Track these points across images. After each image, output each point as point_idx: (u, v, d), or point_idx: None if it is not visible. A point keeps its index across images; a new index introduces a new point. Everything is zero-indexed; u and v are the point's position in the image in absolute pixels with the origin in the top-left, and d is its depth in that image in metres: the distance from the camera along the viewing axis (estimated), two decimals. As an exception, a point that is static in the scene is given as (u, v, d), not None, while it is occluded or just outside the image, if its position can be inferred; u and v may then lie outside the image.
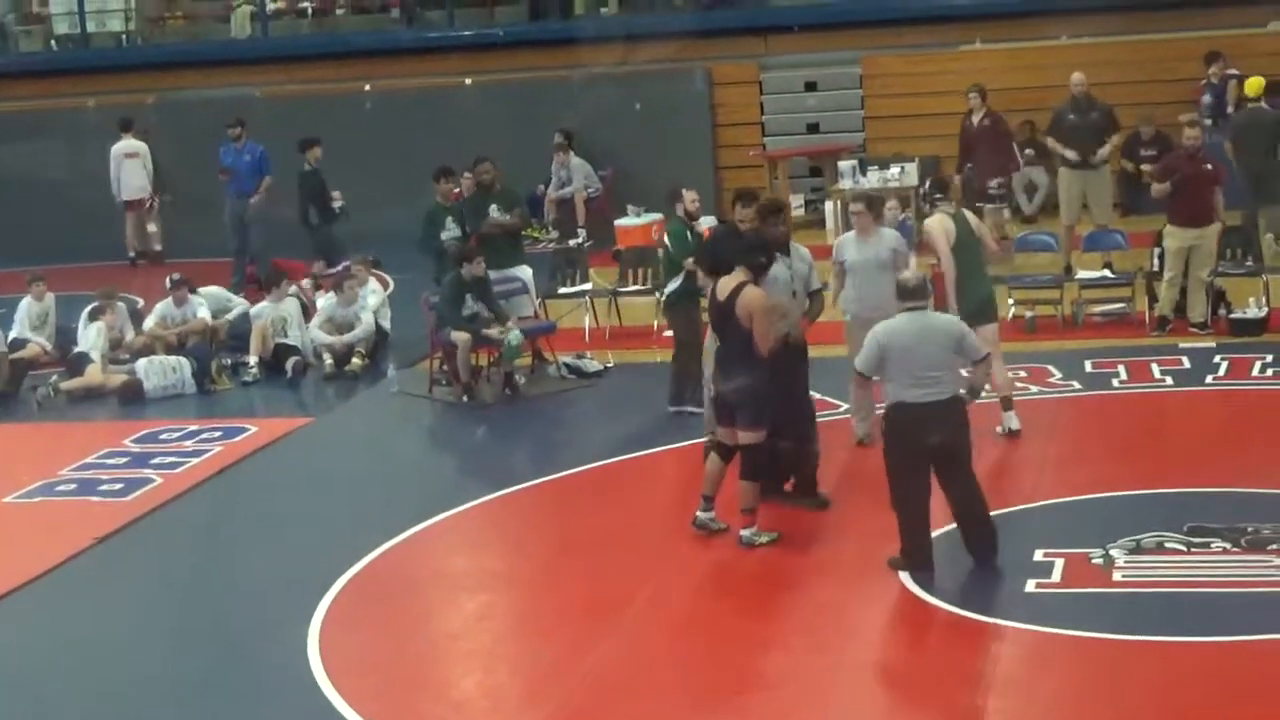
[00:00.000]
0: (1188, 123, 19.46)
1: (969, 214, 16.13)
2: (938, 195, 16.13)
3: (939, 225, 15.44)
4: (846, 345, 14.83)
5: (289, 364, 19.69)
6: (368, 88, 29.51)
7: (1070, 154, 21.59)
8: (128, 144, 27.42)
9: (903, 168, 24.70)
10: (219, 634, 12.46)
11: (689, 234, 16.50)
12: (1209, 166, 18.77)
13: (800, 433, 13.77)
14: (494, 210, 19.33)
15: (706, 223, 18.25)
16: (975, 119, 23.61)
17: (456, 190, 20.32)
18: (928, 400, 12.14)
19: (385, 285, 21.90)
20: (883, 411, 12.62)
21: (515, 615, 12.65)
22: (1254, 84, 22.55)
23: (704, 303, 14.40)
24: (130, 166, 27.44)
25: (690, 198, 16.71)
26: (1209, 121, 25.78)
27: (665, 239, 17.02)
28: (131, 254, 27.86)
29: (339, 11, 32.94)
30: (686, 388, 16.41)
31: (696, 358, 15.39)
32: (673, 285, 16.40)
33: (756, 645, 11.52)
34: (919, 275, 12.81)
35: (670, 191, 16.99)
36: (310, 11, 32.68)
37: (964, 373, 12.63)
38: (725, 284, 13.05)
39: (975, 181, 23.06)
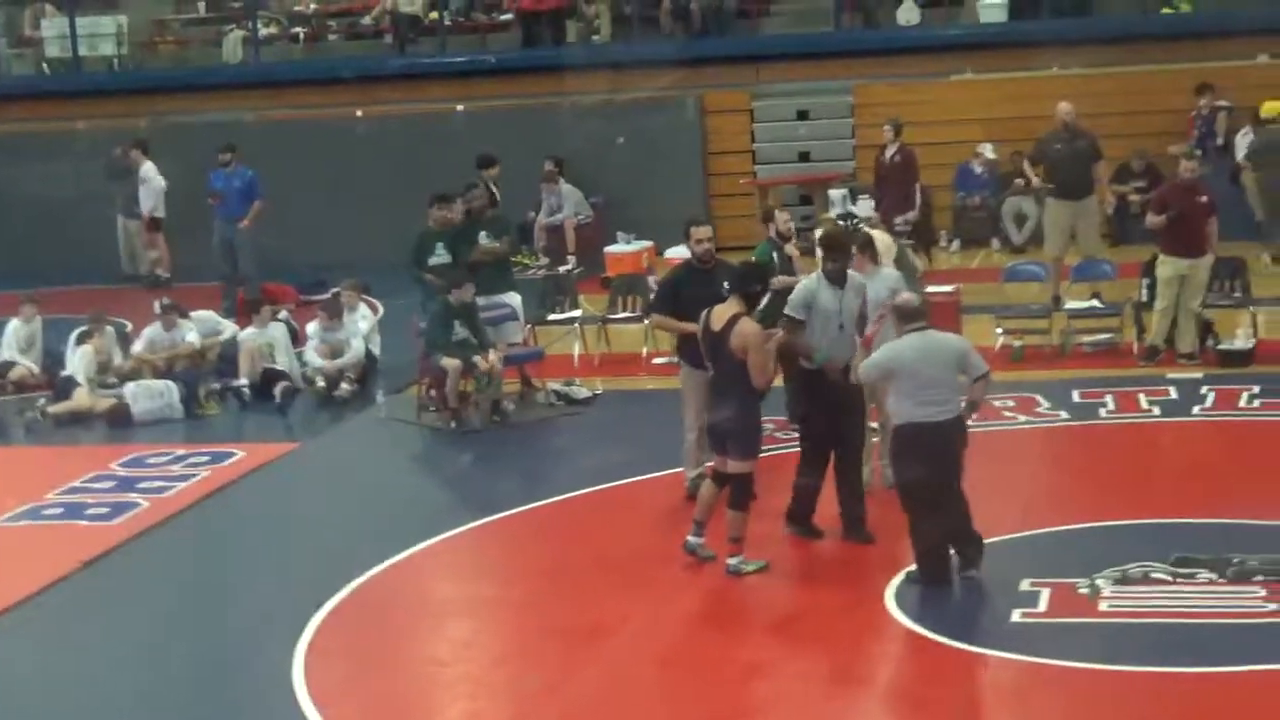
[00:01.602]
0: (1184, 155, 19.56)
1: (881, 233, 16.11)
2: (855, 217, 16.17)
3: (878, 238, 15.66)
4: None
5: (277, 389, 19.67)
6: (359, 114, 29.54)
7: (1036, 179, 21.58)
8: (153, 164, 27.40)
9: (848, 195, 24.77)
10: (203, 659, 12.42)
11: (774, 255, 16.36)
12: (1204, 198, 18.82)
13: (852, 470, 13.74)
14: (483, 237, 19.36)
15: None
16: (889, 153, 23.65)
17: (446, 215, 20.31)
18: (934, 419, 12.34)
19: (375, 311, 21.90)
20: (893, 429, 12.79)
21: (501, 642, 12.63)
22: (1270, 107, 23.26)
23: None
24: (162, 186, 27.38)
25: (783, 219, 16.64)
26: (1199, 153, 25.89)
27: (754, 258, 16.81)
28: (159, 272, 27.69)
29: (331, 37, 32.97)
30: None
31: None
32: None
33: (742, 674, 11.51)
34: (917, 297, 12.90)
35: (764, 212, 17.04)
36: (302, 37, 32.69)
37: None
38: (720, 314, 13.02)
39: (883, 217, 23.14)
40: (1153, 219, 19.04)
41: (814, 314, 13.53)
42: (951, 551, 12.59)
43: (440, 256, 19.26)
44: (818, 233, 14.99)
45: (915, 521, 12.58)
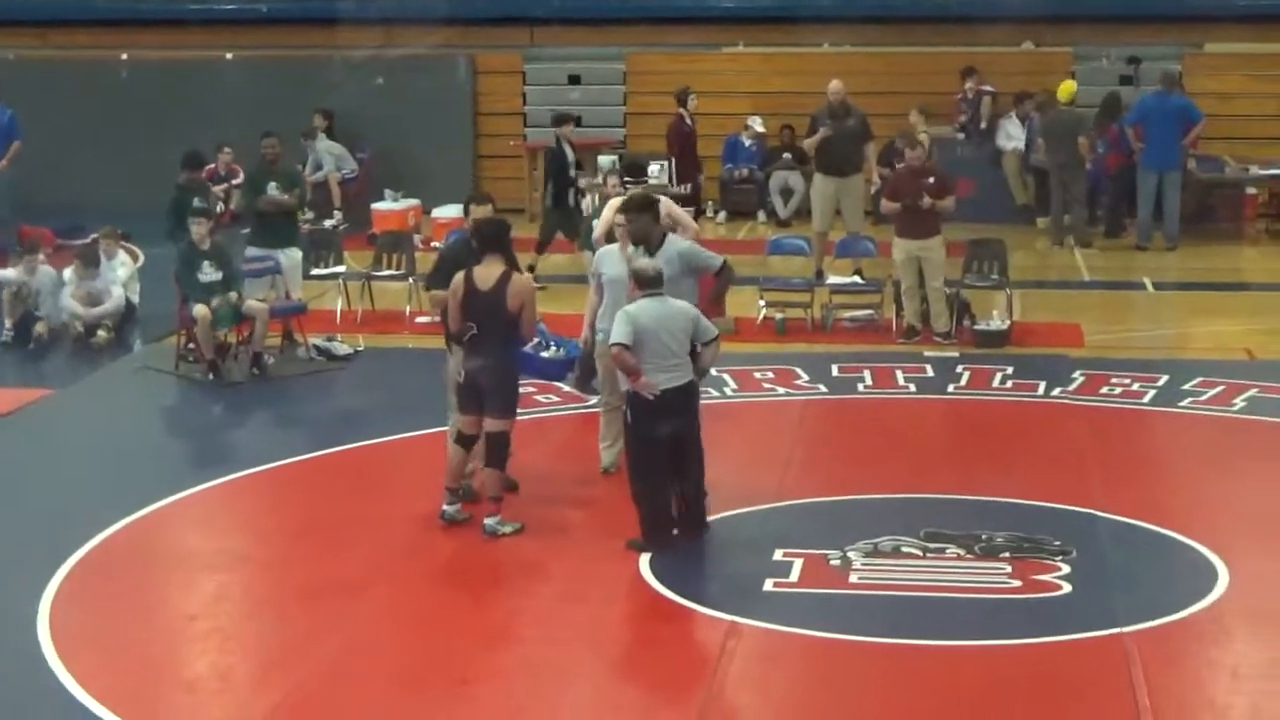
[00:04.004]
0: (906, 143, 19.80)
1: (664, 199, 15.97)
2: (629, 179, 16.05)
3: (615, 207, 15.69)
4: (599, 364, 14.29)
5: (34, 332, 19.29)
6: (124, 56, 29.00)
7: (821, 133, 21.73)
8: None
9: (661, 165, 24.82)
10: (-56, 607, 12.15)
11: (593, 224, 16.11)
12: (931, 180, 19.13)
13: None
14: (273, 188, 19.18)
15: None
16: (689, 122, 23.79)
17: (211, 166, 20.03)
18: (671, 385, 12.51)
19: (135, 258, 21.54)
20: (626, 395, 12.78)
21: (252, 597, 12.50)
22: (1066, 88, 24.14)
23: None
24: None
25: (611, 183, 16.39)
26: (961, 135, 26.40)
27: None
28: None
29: (99, -23, 32.33)
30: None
31: None
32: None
33: (492, 636, 11.53)
34: (655, 264, 12.93)
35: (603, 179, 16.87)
36: (69, -25, 32.02)
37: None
38: (485, 274, 12.93)
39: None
40: (886, 205, 19.43)
41: (608, 285, 13.57)
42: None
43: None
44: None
45: (641, 485, 12.75)
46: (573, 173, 22.44)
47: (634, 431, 12.76)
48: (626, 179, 16.06)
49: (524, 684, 10.70)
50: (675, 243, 13.71)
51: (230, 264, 18.20)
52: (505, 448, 13.14)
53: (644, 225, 13.52)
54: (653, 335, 12.50)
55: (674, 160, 24.00)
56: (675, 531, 12.82)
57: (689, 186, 23.77)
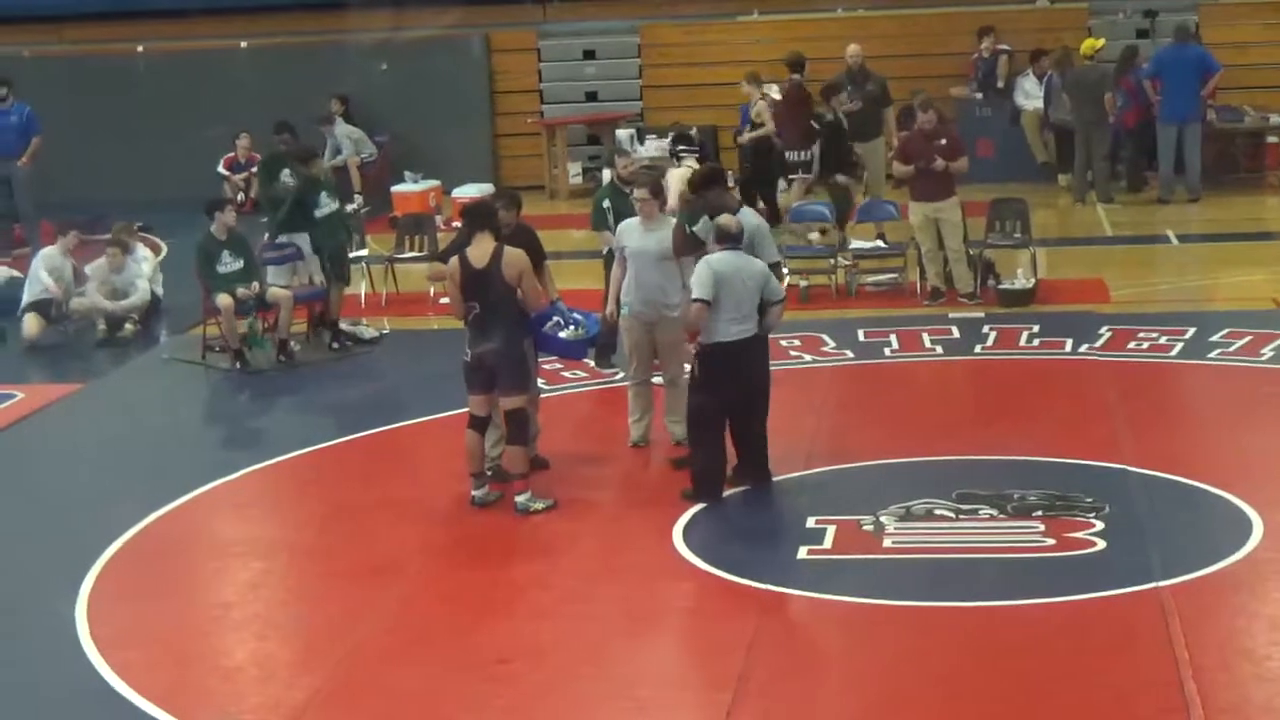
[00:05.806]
0: (919, 106, 19.73)
1: (670, 171, 16.01)
2: (681, 149, 16.13)
3: (677, 177, 15.69)
4: (625, 339, 14.51)
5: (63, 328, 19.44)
6: (140, 49, 29.02)
7: (846, 107, 21.64)
8: None
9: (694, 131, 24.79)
10: (-16, 604, 12.21)
11: (609, 202, 15.76)
12: (943, 141, 19.08)
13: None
14: (286, 174, 19.16)
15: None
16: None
17: (230, 155, 20.03)
18: (742, 337, 12.80)
19: (157, 250, 21.56)
20: (696, 350, 13.01)
21: (288, 584, 12.53)
22: (1090, 44, 24.16)
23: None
24: None
25: (623, 163, 16.35)
26: (979, 95, 26.31)
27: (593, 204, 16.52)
28: None
29: (111, -29, 32.32)
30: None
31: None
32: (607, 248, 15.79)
33: (529, 613, 11.53)
34: (737, 220, 13.14)
35: (605, 156, 16.84)
36: (81, -29, 32.03)
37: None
38: (478, 253, 12.94)
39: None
40: (900, 168, 19.38)
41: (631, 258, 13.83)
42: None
43: (325, 208, 18.85)
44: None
45: (698, 437, 13.02)
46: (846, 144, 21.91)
47: (701, 384, 12.98)
48: (680, 148, 16.19)
49: (562, 661, 10.72)
50: (748, 216, 13.86)
51: (249, 253, 18.21)
52: (525, 424, 13.16)
53: (716, 197, 13.76)
54: (730, 285, 12.76)
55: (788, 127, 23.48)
56: (730, 485, 13.12)
57: (804, 153, 23.32)
